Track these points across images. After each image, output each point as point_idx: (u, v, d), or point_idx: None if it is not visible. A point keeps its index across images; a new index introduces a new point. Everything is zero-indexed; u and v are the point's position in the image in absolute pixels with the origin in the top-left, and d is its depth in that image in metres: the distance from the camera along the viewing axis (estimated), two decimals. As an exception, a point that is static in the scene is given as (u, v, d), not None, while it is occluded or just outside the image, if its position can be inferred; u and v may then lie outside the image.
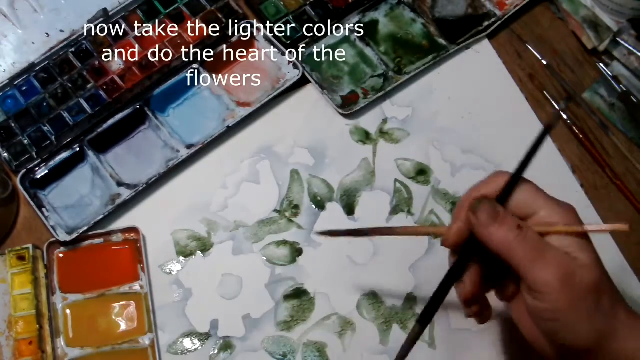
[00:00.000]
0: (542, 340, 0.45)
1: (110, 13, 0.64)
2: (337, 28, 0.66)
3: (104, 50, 0.63)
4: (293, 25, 0.65)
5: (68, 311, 0.56)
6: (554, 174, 0.62)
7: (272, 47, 0.64)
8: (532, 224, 0.42)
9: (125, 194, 0.59)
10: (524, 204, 0.43)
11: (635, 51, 0.65)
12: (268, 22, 0.65)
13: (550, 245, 0.42)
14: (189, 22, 0.65)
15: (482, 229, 0.42)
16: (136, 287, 0.57)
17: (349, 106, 0.63)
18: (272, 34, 0.65)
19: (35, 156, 0.60)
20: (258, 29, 0.65)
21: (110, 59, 0.63)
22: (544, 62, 0.66)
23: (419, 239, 0.59)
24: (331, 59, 0.65)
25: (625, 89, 0.64)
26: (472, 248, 0.44)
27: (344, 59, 0.65)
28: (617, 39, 0.65)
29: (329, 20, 0.65)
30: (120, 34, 0.64)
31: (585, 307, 0.41)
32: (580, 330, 0.42)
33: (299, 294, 0.57)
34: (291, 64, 0.64)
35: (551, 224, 0.42)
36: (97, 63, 0.63)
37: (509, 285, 0.45)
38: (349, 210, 0.60)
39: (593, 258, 0.42)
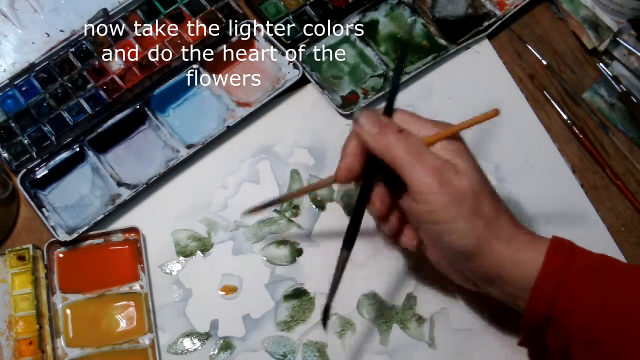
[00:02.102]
0: (430, 246, 0.49)
1: (110, 13, 0.64)
2: (337, 28, 0.66)
3: (104, 50, 0.63)
4: (293, 25, 0.65)
5: (68, 311, 0.56)
6: (554, 174, 0.62)
7: (272, 47, 0.64)
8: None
9: (125, 194, 0.59)
10: (404, 125, 0.47)
11: (635, 51, 0.65)
12: (268, 22, 0.65)
13: (430, 151, 0.46)
14: (189, 22, 0.65)
15: (366, 136, 0.46)
16: (136, 287, 0.57)
17: (349, 106, 0.63)
18: (272, 34, 0.65)
19: (35, 156, 0.60)
20: (258, 29, 0.65)
21: (110, 59, 0.63)
22: (544, 62, 0.66)
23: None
24: (331, 59, 0.65)
25: (625, 89, 0.64)
26: (370, 170, 0.48)
27: (344, 59, 0.65)
28: (617, 39, 0.65)
29: (329, 20, 0.65)
30: (120, 34, 0.64)
31: (464, 209, 0.44)
32: (460, 231, 0.44)
33: (299, 294, 0.57)
34: (291, 64, 0.64)
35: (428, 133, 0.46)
36: (97, 63, 0.63)
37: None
38: (349, 210, 0.60)
39: (470, 165, 0.46)
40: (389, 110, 0.49)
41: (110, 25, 0.64)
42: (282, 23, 0.65)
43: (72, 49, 0.63)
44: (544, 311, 0.44)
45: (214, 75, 0.64)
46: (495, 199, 0.47)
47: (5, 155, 0.60)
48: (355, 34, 0.66)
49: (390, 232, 0.50)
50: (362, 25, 0.66)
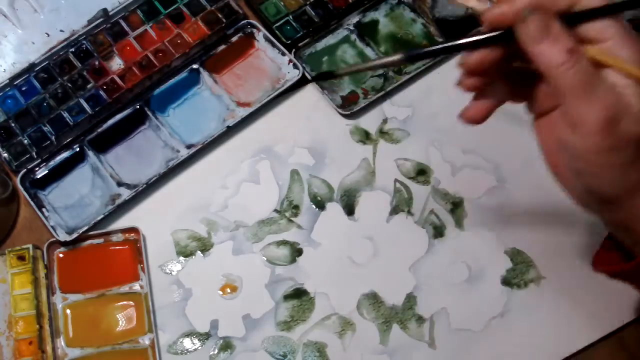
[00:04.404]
0: (564, 170, 0.42)
1: (110, 13, 0.64)
2: (337, 28, 0.66)
3: (104, 50, 0.63)
4: (293, 25, 0.65)
5: (68, 311, 0.56)
6: (554, 174, 0.62)
7: (272, 47, 0.64)
8: (592, 51, 0.38)
9: (125, 194, 0.59)
10: (593, 27, 0.38)
11: (635, 51, 0.64)
12: (268, 22, 0.65)
13: (603, 81, 0.37)
14: (189, 22, 0.65)
15: (529, 41, 0.37)
16: (136, 287, 0.57)
17: (349, 106, 0.63)
18: (272, 34, 0.65)
19: (35, 156, 0.60)
20: (258, 29, 0.65)
21: (110, 59, 0.63)
22: (544, 62, 0.66)
23: (418, 238, 0.59)
24: (331, 59, 0.65)
25: (625, 89, 0.64)
26: (507, 37, 0.39)
27: (344, 59, 0.65)
28: (617, 39, 0.65)
29: (329, 20, 0.66)
30: (120, 34, 0.64)
31: (622, 157, 0.38)
32: (610, 179, 0.38)
33: (299, 294, 0.57)
34: (291, 64, 0.64)
35: (615, 56, 0.37)
36: (97, 63, 0.63)
37: (543, 100, 0.42)
38: (349, 210, 0.60)
39: None
40: (573, 20, 0.38)
41: (110, 25, 0.64)
42: (282, 23, 0.65)
43: (72, 49, 0.63)
44: None
45: (214, 75, 0.64)
46: None
47: (5, 155, 0.60)
48: (355, 34, 0.66)
49: (462, 85, 0.43)
50: (362, 25, 0.66)
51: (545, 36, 0.37)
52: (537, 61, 0.37)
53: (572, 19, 0.38)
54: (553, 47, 0.37)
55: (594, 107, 0.37)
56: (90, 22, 0.64)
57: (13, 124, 0.61)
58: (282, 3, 0.66)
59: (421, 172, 0.61)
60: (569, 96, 0.37)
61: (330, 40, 0.66)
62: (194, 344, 0.56)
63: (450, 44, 0.40)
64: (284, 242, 0.59)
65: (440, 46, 0.42)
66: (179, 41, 0.64)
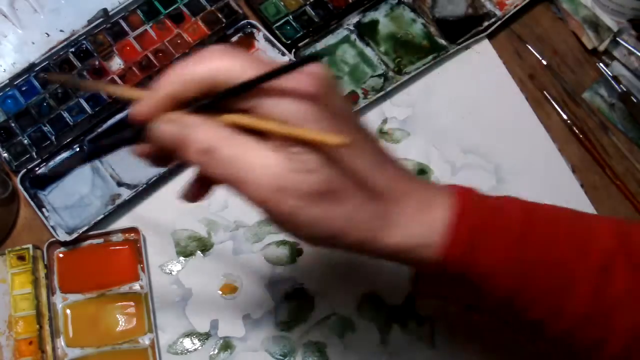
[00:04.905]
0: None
1: (110, 13, 0.64)
2: (337, 28, 0.66)
3: (104, 50, 0.63)
4: (293, 25, 0.65)
5: (68, 311, 0.56)
6: (554, 174, 0.62)
7: (272, 47, 0.64)
8: (229, 118, 0.34)
9: (125, 194, 0.59)
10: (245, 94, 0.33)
11: (635, 51, 0.65)
12: (268, 22, 0.65)
13: (256, 158, 0.33)
14: (189, 22, 0.65)
15: (168, 148, 0.35)
16: (136, 287, 0.57)
17: (349, 106, 0.63)
18: (272, 34, 0.65)
19: (35, 156, 0.60)
20: (258, 29, 0.65)
21: (110, 59, 0.63)
22: (544, 62, 0.66)
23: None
24: (331, 59, 0.65)
25: (625, 89, 0.64)
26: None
27: (344, 59, 0.65)
28: (617, 39, 0.65)
29: (329, 20, 0.66)
30: (120, 34, 0.64)
31: (312, 214, 0.34)
32: (309, 234, 0.35)
33: (299, 294, 0.57)
34: (291, 64, 0.63)
35: (270, 116, 0.33)
36: (97, 63, 0.63)
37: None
38: (349, 210, 0.60)
39: (321, 160, 0.33)
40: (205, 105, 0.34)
41: (110, 25, 0.64)
42: (282, 23, 0.65)
43: (72, 49, 0.63)
44: (454, 276, 0.38)
45: (214, 75, 0.64)
46: (359, 178, 0.35)
47: (5, 155, 0.60)
48: (355, 34, 0.66)
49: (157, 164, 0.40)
50: (362, 25, 0.66)
51: (178, 145, 0.34)
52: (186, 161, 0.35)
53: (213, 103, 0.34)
54: (188, 154, 0.34)
55: (260, 188, 0.33)
56: (90, 22, 0.64)
57: (13, 124, 0.61)
58: (282, 3, 0.66)
59: (421, 172, 0.61)
60: (231, 183, 0.34)
61: (330, 40, 0.66)
62: (194, 344, 0.56)
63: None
64: (284, 242, 0.59)
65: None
66: (179, 41, 0.64)
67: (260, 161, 0.33)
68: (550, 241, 0.38)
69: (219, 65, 0.33)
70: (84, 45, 0.63)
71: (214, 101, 0.33)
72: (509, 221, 0.38)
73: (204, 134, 0.33)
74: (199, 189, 0.40)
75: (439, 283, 0.41)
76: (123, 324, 0.56)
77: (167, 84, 0.34)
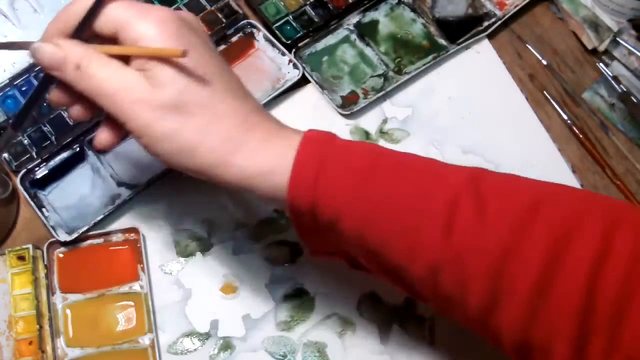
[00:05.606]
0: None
1: (110, 13, 0.64)
2: (337, 28, 0.66)
3: (104, 50, 0.63)
4: (293, 25, 0.65)
5: (68, 311, 0.56)
6: (554, 174, 0.62)
7: (272, 47, 0.64)
8: (121, 44, 0.41)
9: (125, 194, 0.59)
10: (110, 20, 0.41)
11: (635, 51, 0.65)
12: (268, 22, 0.65)
13: (118, 71, 0.40)
14: (189, 22, 0.65)
15: (45, 68, 0.41)
16: (136, 287, 0.57)
17: (349, 106, 0.63)
18: (272, 34, 0.65)
19: (35, 156, 0.60)
20: (258, 29, 0.65)
21: (110, 59, 0.63)
22: (544, 62, 0.66)
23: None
24: (331, 59, 0.65)
25: (625, 89, 0.64)
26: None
27: (344, 59, 0.65)
28: (617, 39, 0.65)
29: (329, 20, 0.66)
30: (120, 34, 0.64)
31: (166, 129, 0.40)
32: (167, 155, 0.41)
33: (299, 294, 0.57)
34: (291, 64, 0.64)
35: (136, 40, 0.40)
36: (97, 63, 0.63)
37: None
38: (349, 210, 0.60)
39: (171, 74, 0.40)
40: (82, 26, 0.41)
41: (110, 25, 0.64)
42: (282, 23, 0.65)
43: (72, 49, 0.63)
44: (308, 222, 0.40)
45: (214, 75, 0.64)
46: (212, 101, 0.41)
47: (5, 155, 0.60)
48: (355, 34, 0.66)
49: (77, 119, 0.46)
50: (362, 25, 0.66)
51: (56, 65, 0.41)
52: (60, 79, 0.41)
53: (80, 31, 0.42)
54: (64, 71, 0.41)
55: (117, 102, 0.40)
56: (90, 22, 0.64)
57: (13, 124, 0.61)
58: (282, 3, 0.66)
59: (421, 172, 0.61)
60: (98, 100, 0.41)
61: (330, 40, 0.66)
62: (194, 344, 0.56)
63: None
64: (284, 242, 0.59)
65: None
66: (179, 41, 0.64)
67: (121, 77, 0.40)
68: (395, 182, 0.39)
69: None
70: (84, 45, 0.63)
71: (80, 26, 0.41)
72: (356, 159, 0.40)
73: (77, 52, 0.41)
74: (105, 133, 0.45)
75: (321, 238, 0.43)
76: (123, 324, 0.56)
77: (53, 21, 0.42)
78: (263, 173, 0.40)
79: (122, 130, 0.44)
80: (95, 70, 0.40)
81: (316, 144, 0.40)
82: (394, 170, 0.40)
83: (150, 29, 0.40)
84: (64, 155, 0.60)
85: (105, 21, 0.41)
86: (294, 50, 0.64)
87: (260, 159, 0.40)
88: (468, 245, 0.38)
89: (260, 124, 0.42)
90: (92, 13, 0.41)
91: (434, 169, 0.41)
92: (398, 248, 0.39)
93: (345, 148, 0.40)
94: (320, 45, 0.65)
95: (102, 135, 0.45)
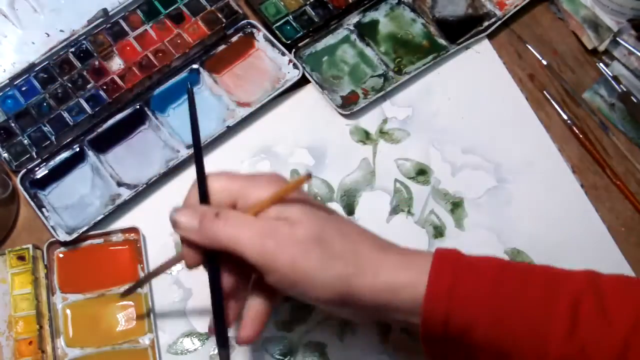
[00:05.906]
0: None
1: (110, 13, 0.64)
2: (337, 28, 0.66)
3: (104, 50, 0.63)
4: (293, 25, 0.65)
5: (68, 311, 0.56)
6: (554, 174, 0.62)
7: (272, 47, 0.64)
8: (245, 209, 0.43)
9: (125, 194, 0.59)
10: (225, 193, 0.44)
11: (635, 51, 0.65)
12: (268, 22, 0.65)
13: (255, 219, 0.42)
14: (189, 22, 0.65)
15: (190, 235, 0.43)
16: (136, 287, 0.57)
17: (349, 106, 0.63)
18: (272, 34, 0.65)
19: (35, 156, 0.60)
20: (258, 29, 0.65)
21: (110, 59, 0.63)
22: (544, 62, 0.66)
23: (418, 238, 0.59)
24: (331, 59, 0.65)
25: (625, 89, 0.64)
26: (211, 260, 0.44)
27: (344, 59, 0.65)
28: (617, 39, 0.65)
29: (329, 20, 0.66)
30: (120, 34, 0.64)
31: (313, 259, 0.41)
32: (319, 283, 0.41)
33: (299, 294, 0.57)
34: (291, 64, 0.64)
35: (261, 201, 0.42)
36: (97, 63, 0.63)
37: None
38: (349, 210, 0.60)
39: (304, 210, 0.42)
40: (204, 196, 0.44)
41: (110, 25, 0.64)
42: (282, 23, 0.65)
43: (72, 49, 0.63)
44: (439, 332, 0.42)
45: (214, 75, 0.64)
46: (346, 231, 0.43)
47: (5, 155, 0.60)
48: (355, 34, 0.66)
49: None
50: (362, 25, 0.66)
51: (195, 220, 0.43)
52: (204, 245, 0.43)
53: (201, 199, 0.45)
54: (205, 225, 0.42)
55: (256, 238, 0.41)
56: (90, 22, 0.64)
57: (13, 124, 0.61)
58: (282, 3, 0.66)
59: (421, 172, 0.62)
60: (237, 247, 0.41)
61: (330, 40, 0.66)
62: (194, 344, 0.56)
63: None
64: (284, 242, 0.59)
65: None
66: (178, 41, 0.64)
67: (250, 223, 0.42)
68: (522, 289, 0.41)
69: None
70: (84, 45, 0.63)
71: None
72: (485, 271, 0.42)
73: (210, 208, 0.43)
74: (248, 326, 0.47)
75: (443, 349, 0.44)
76: (123, 324, 0.56)
77: (185, 210, 0.44)
78: (404, 286, 0.42)
79: (267, 316, 0.47)
80: (235, 216, 0.42)
81: (448, 260, 0.42)
82: (518, 279, 0.42)
83: (264, 192, 0.43)
84: (64, 155, 0.60)
85: (219, 198, 0.44)
86: (294, 50, 0.64)
87: (402, 274, 0.42)
88: (592, 339, 0.40)
89: (391, 245, 0.45)
90: (203, 190, 0.44)
91: (553, 272, 0.43)
92: (527, 346, 0.41)
93: (474, 262, 0.43)
94: (320, 45, 0.65)
95: (246, 329, 0.47)
